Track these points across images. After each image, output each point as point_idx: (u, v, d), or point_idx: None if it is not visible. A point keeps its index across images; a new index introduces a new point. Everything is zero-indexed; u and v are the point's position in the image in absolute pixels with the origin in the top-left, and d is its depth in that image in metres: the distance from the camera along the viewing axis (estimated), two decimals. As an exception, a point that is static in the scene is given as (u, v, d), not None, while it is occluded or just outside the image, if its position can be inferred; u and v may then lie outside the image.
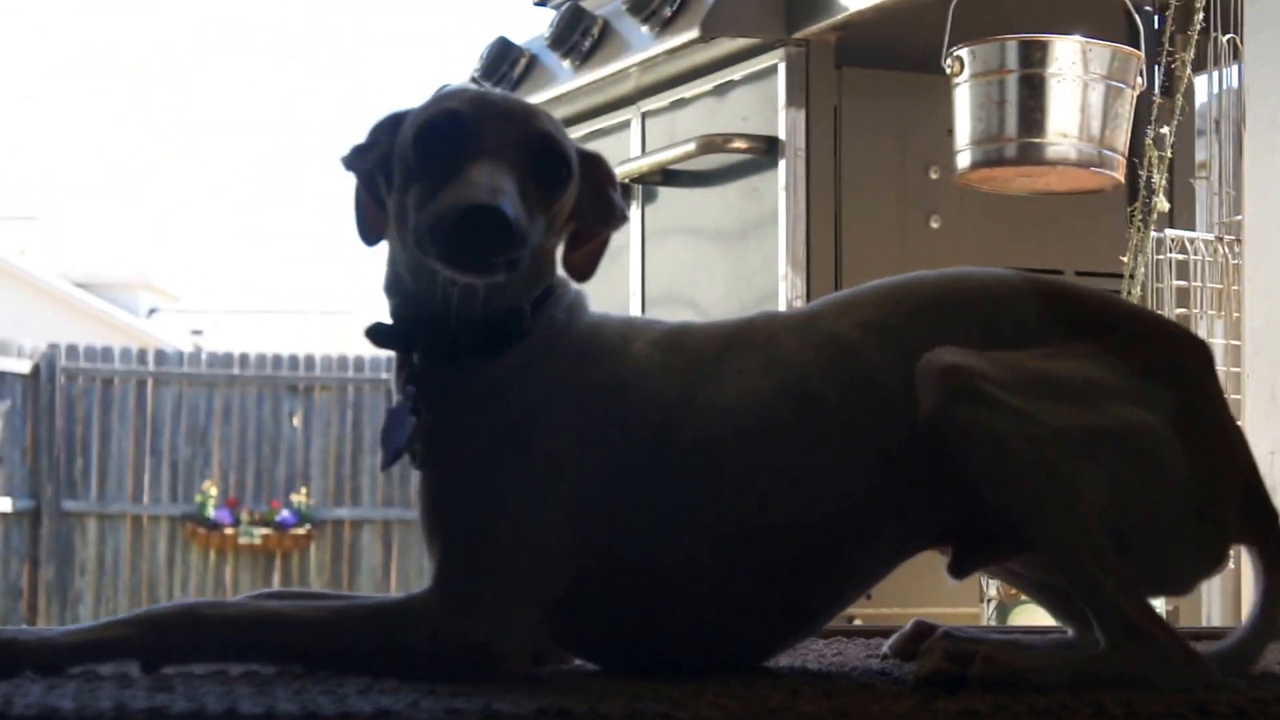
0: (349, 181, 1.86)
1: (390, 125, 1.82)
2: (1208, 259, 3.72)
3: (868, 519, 1.81)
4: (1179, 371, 1.86)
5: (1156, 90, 3.76)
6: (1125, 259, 3.61)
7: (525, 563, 1.72)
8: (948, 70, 3.55)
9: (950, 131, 3.54)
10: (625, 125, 4.47)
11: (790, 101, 3.96)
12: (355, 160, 1.84)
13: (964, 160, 3.49)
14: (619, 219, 1.85)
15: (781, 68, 3.99)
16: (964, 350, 1.78)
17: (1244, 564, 3.35)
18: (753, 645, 1.86)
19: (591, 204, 1.83)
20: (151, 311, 26.21)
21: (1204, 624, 3.90)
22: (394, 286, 1.81)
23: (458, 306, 1.75)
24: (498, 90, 4.80)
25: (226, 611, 1.71)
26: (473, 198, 1.63)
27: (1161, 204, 3.57)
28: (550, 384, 1.77)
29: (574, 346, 1.80)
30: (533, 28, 4.76)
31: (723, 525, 1.78)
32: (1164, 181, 3.64)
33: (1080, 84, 3.46)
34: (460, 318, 1.76)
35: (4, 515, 10.98)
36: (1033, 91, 3.46)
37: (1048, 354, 1.81)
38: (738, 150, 4.01)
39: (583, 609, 1.77)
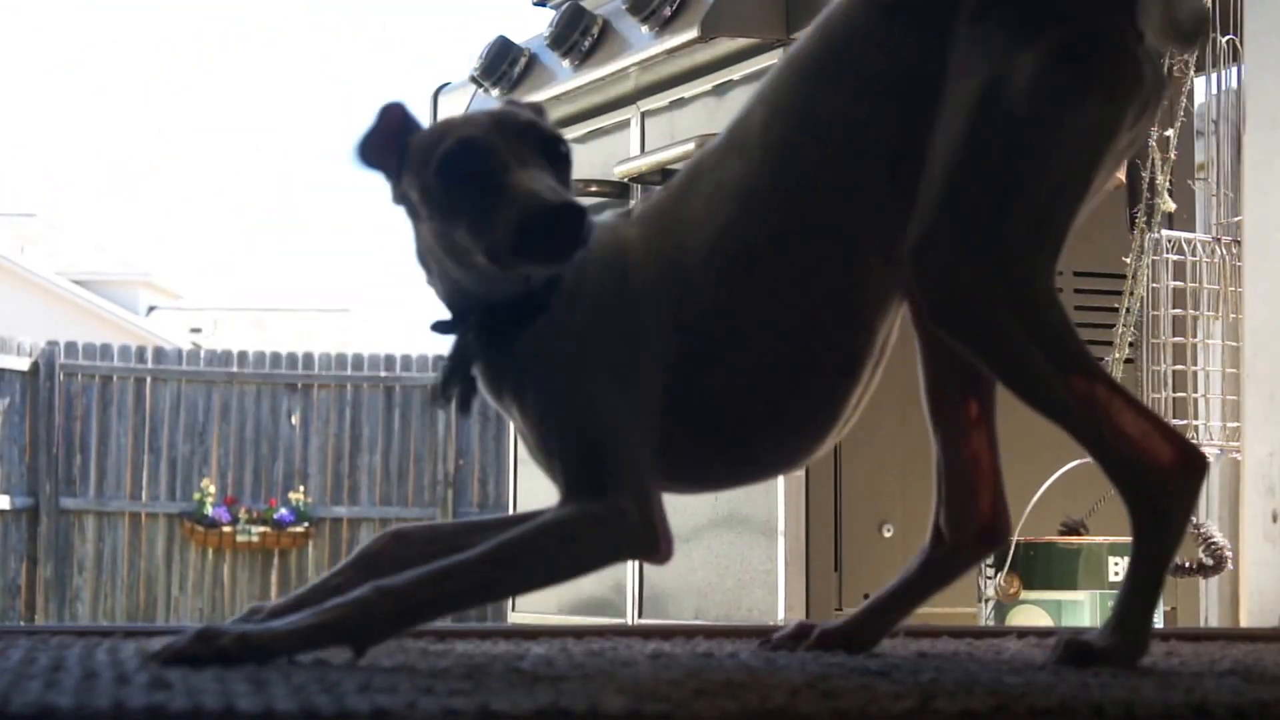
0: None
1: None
2: (1206, 260, 3.72)
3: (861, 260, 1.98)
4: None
5: (1156, 91, 3.76)
6: (1127, 260, 3.61)
7: (634, 449, 1.92)
8: (948, 70, 3.54)
9: (950, 132, 3.53)
10: (625, 125, 4.47)
11: (790, 101, 3.96)
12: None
13: (964, 160, 3.48)
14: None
15: (781, 67, 3.99)
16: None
17: (1243, 564, 3.35)
18: (816, 409, 2.02)
19: None
20: (150, 309, 26.21)
21: (1202, 624, 3.90)
22: (459, 296, 1.98)
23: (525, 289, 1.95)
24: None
25: (408, 579, 1.84)
26: (544, 202, 1.83)
27: (1168, 204, 3.57)
28: (583, 312, 1.96)
29: (589, 278, 1.97)
30: (533, 27, 4.77)
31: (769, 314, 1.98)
32: (1167, 182, 3.64)
33: (1080, 85, 3.45)
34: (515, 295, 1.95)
35: (2, 513, 10.98)
36: (1033, 92, 3.45)
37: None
38: (737, 150, 4.00)
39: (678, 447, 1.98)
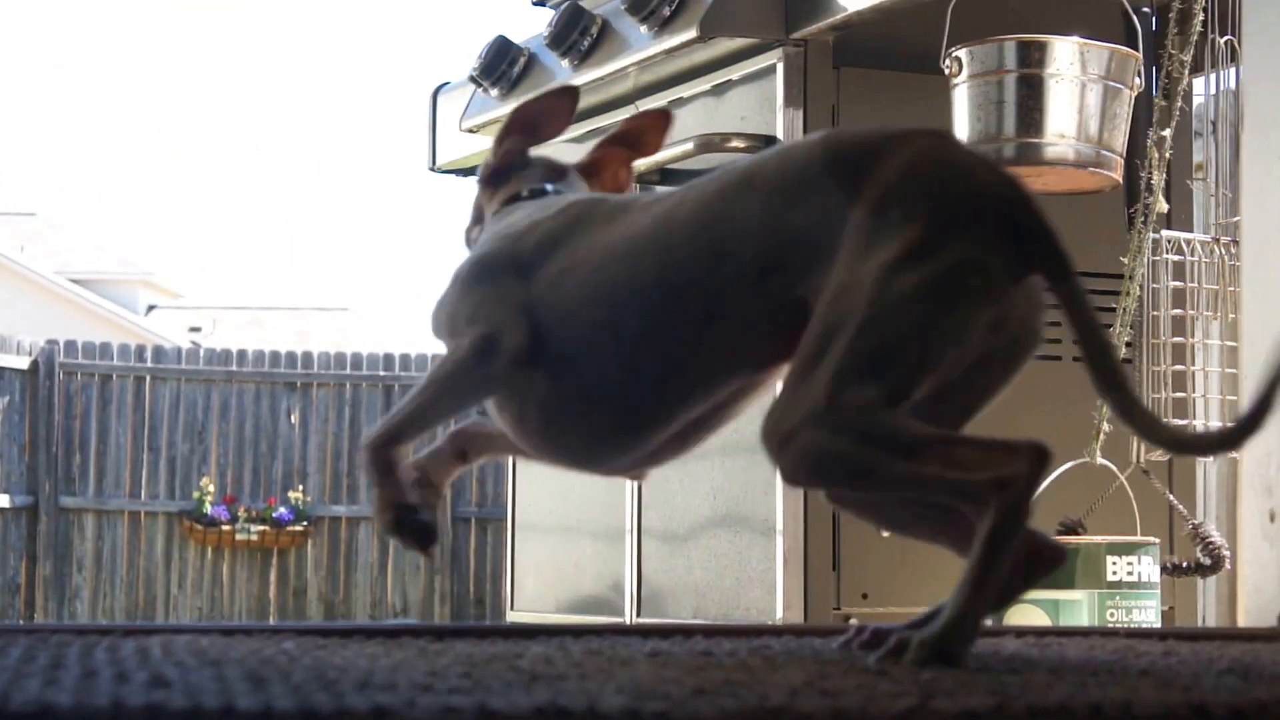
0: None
1: None
2: (1204, 260, 3.72)
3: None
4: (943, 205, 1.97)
5: (1155, 91, 3.76)
6: (1125, 260, 3.62)
7: (490, 315, 2.25)
8: (946, 71, 3.55)
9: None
10: (624, 124, 4.47)
11: (788, 101, 3.97)
12: None
13: (962, 160, 3.48)
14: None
15: (780, 68, 3.99)
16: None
17: (1241, 564, 3.35)
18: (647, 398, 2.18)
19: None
20: (150, 308, 26.21)
21: (1200, 623, 3.90)
22: None
23: None
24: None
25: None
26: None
27: (1161, 205, 3.58)
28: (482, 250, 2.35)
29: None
30: (532, 27, 4.78)
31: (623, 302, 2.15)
32: (1163, 182, 3.64)
33: (1078, 84, 3.47)
34: None
35: (2, 511, 10.98)
36: (1031, 92, 3.46)
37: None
38: (736, 150, 4.01)
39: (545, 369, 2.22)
